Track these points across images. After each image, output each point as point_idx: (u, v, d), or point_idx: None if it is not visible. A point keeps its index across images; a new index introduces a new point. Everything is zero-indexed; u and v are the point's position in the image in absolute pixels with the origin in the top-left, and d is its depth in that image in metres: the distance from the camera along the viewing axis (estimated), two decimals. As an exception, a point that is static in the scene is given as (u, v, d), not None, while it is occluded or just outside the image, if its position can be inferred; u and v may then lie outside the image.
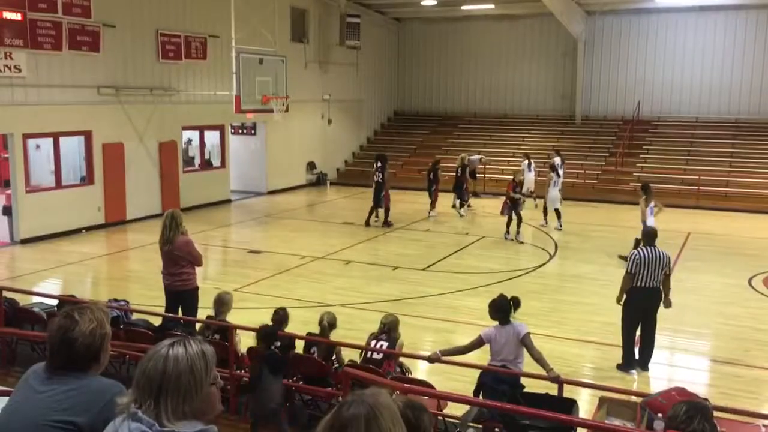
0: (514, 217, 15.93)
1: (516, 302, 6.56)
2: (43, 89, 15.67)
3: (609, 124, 26.76)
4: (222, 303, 7.62)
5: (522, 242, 15.89)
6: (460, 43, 29.34)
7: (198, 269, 8.69)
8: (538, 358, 6.38)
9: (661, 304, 8.52)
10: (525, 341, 6.38)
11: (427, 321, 10.42)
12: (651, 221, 12.82)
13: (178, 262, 8.39)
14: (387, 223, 17.83)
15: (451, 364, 6.92)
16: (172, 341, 2.26)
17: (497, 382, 6.29)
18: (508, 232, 16.03)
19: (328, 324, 7.15)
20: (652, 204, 13.38)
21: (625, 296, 8.63)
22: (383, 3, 27.43)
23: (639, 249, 8.49)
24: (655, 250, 8.40)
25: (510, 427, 5.56)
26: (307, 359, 6.88)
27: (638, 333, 8.65)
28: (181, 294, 8.46)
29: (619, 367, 8.61)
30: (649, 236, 8.59)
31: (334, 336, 7.23)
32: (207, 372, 2.24)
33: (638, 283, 8.39)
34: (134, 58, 17.81)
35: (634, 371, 8.59)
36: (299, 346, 7.32)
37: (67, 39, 15.65)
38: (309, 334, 7.26)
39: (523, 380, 6.44)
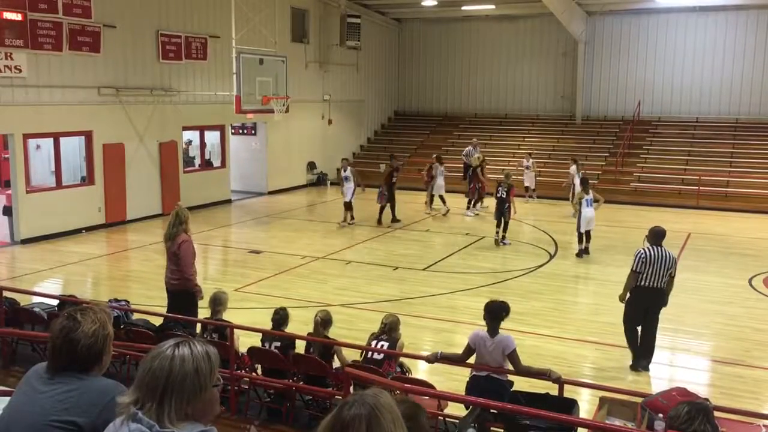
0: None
1: (506, 309, 6.37)
2: (44, 89, 15.67)
3: (609, 124, 26.75)
4: (219, 302, 7.60)
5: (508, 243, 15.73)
6: (460, 43, 29.33)
7: (197, 269, 8.67)
8: (528, 372, 6.21)
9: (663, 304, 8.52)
10: (511, 357, 6.16)
11: (427, 321, 10.42)
12: (588, 212, 14.51)
13: (176, 260, 8.39)
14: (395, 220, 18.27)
15: (451, 364, 6.91)
16: (176, 341, 2.25)
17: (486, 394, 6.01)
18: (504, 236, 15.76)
19: (321, 320, 7.03)
20: (589, 196, 14.59)
21: (628, 295, 8.62)
22: (383, 3, 27.42)
23: (645, 248, 8.44)
24: (661, 250, 8.37)
25: (510, 427, 5.56)
26: (307, 359, 6.87)
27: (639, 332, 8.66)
28: (176, 293, 8.46)
29: (632, 366, 8.61)
30: (656, 235, 8.52)
31: (331, 335, 7.19)
32: (211, 374, 2.24)
33: (642, 282, 8.37)
34: (135, 58, 17.80)
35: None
36: (300, 346, 7.31)
37: (67, 39, 15.66)
38: (309, 334, 7.25)
39: (523, 379, 6.38)
